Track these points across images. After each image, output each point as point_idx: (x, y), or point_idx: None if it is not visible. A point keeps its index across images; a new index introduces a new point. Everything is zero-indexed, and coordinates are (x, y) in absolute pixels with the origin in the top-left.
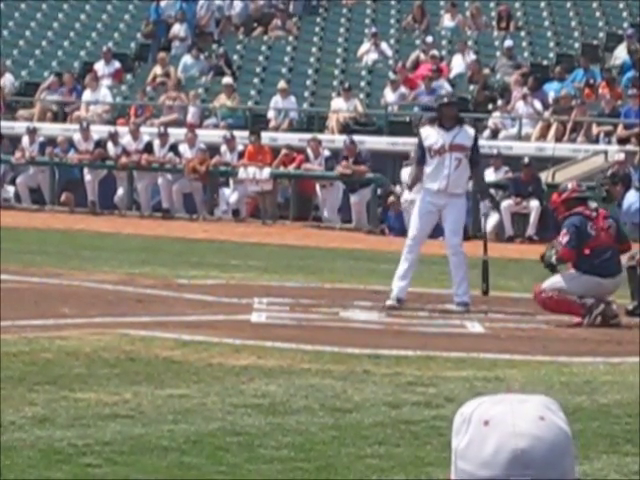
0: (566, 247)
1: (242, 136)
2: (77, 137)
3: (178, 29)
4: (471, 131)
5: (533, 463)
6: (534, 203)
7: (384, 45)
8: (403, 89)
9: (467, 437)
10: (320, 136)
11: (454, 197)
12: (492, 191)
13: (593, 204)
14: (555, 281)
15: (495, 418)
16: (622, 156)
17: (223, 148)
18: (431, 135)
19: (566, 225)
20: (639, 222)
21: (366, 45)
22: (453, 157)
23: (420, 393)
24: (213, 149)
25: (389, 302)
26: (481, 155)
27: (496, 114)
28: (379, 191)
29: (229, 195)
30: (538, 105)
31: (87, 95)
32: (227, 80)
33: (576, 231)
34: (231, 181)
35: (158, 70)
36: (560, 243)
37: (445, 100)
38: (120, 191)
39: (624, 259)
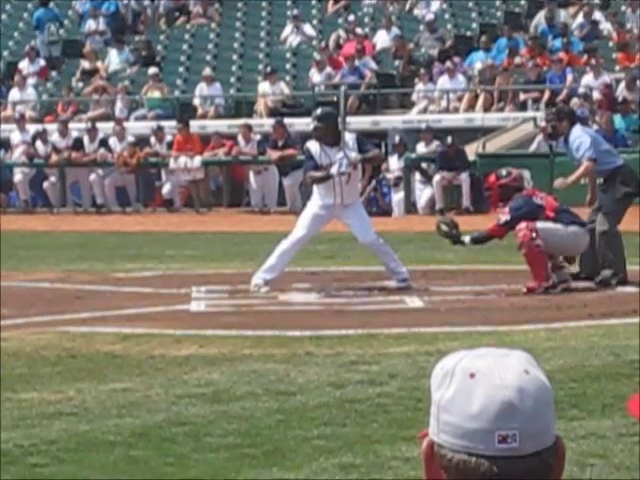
0: (501, 225)
1: (171, 126)
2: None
3: (93, 24)
4: (352, 141)
5: (520, 415)
6: (463, 175)
7: (307, 26)
8: (329, 69)
9: (451, 390)
10: (249, 121)
11: (348, 205)
12: (424, 165)
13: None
14: (548, 227)
15: (481, 371)
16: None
17: (152, 139)
18: (317, 152)
19: (511, 206)
20: (576, 157)
21: (289, 27)
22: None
23: (363, 371)
24: (142, 141)
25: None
26: (370, 146)
27: (419, 87)
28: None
29: (163, 185)
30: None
31: (14, 95)
32: (153, 70)
33: (517, 215)
34: (162, 172)
35: (86, 65)
36: (498, 219)
37: (313, 125)
38: (52, 179)
39: None
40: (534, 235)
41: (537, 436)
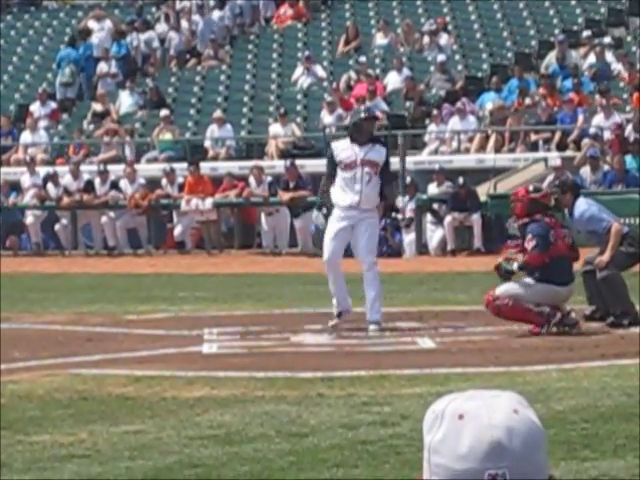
0: (534, 252)
1: (182, 168)
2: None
3: (105, 66)
4: (383, 149)
5: (508, 455)
6: (475, 216)
7: (318, 68)
8: (340, 110)
9: (441, 432)
10: (260, 163)
11: (366, 213)
12: (435, 206)
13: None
14: (509, 288)
15: (469, 412)
16: (559, 162)
17: (164, 181)
18: (344, 149)
19: (531, 231)
20: (593, 229)
21: (299, 69)
22: (365, 172)
23: (375, 413)
24: (154, 183)
25: (331, 322)
26: (392, 174)
27: (431, 127)
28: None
29: (174, 227)
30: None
31: (26, 137)
32: (164, 112)
33: (542, 237)
34: (174, 214)
35: (98, 107)
36: (527, 249)
37: (363, 115)
38: (64, 221)
39: (577, 265)
40: (492, 298)
41: (528, 475)
